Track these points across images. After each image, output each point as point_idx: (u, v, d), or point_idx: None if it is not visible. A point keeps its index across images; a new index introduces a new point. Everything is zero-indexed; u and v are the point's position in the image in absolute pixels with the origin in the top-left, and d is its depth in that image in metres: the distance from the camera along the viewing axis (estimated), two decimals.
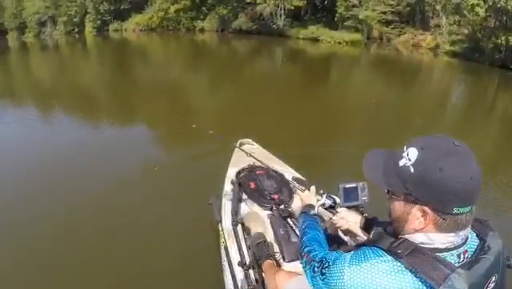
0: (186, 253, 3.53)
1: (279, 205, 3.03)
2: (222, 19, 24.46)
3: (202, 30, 26.17)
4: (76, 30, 36.48)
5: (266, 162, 3.67)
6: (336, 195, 2.20)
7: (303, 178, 3.38)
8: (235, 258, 2.63)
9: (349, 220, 1.98)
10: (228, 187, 3.46)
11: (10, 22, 42.64)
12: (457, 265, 0.99)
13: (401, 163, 1.03)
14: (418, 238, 1.04)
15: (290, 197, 3.08)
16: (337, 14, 19.32)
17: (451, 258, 1.01)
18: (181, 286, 3.23)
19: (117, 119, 8.49)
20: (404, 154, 1.03)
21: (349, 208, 2.18)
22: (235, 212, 3.02)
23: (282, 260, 2.56)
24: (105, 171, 5.33)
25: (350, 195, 2.16)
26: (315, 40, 18.68)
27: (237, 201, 3.14)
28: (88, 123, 8.45)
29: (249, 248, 2.66)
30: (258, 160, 3.68)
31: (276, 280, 2.12)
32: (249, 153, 3.88)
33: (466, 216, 1.00)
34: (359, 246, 1.19)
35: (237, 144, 4.14)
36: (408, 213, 1.05)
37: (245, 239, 2.78)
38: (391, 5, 17.96)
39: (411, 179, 1.00)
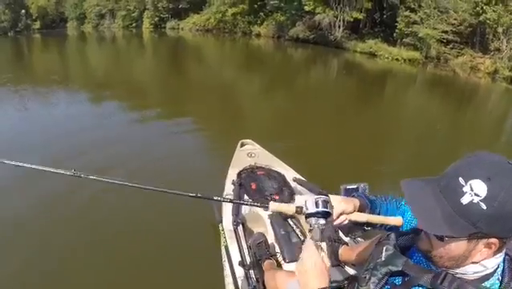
0: (187, 253, 3.59)
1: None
2: (279, 26, 25.34)
3: (258, 35, 27.10)
4: (134, 24, 39.10)
5: (267, 163, 3.78)
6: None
7: (304, 179, 3.59)
8: (236, 258, 2.68)
9: (347, 211, 1.53)
10: (229, 187, 3.50)
11: (70, 11, 46.09)
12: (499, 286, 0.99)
13: (465, 200, 0.92)
14: (471, 269, 1.00)
15: (291, 197, 3.08)
16: (396, 30, 19.64)
17: (494, 282, 1.00)
18: (182, 286, 3.27)
19: (159, 112, 8.90)
20: (466, 189, 0.92)
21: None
22: (236, 212, 3.04)
23: (282, 260, 2.63)
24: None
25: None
26: (373, 55, 19.07)
27: None
28: (133, 113, 8.87)
29: (249, 248, 2.70)
30: (259, 161, 3.82)
31: (276, 280, 2.14)
32: (250, 154, 4.05)
33: None
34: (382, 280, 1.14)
35: (239, 145, 4.23)
36: (472, 250, 0.97)
37: (245, 239, 2.82)
38: (452, 24, 17.91)
39: (484, 217, 0.91)
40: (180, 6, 34.42)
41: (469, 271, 0.99)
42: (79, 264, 3.37)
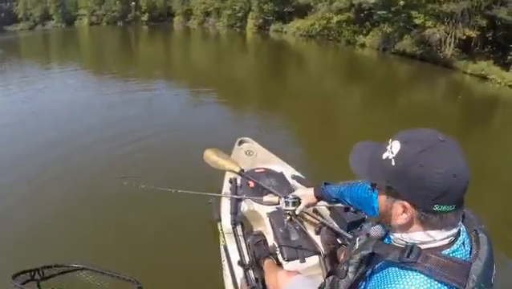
0: (185, 252, 3.62)
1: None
2: (386, 38, 24.91)
3: (363, 46, 26.69)
4: (238, 24, 39.95)
5: (266, 160, 3.81)
6: None
7: (303, 177, 3.62)
8: (235, 257, 2.69)
9: (311, 203, 2.19)
10: (227, 186, 3.52)
11: (177, 6, 47.79)
12: (466, 259, 1.03)
13: (384, 156, 1.07)
14: (417, 237, 1.07)
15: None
16: (511, 53, 18.61)
17: (458, 253, 1.04)
18: (181, 285, 3.30)
19: (249, 114, 9.51)
20: (388, 147, 1.07)
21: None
22: (234, 211, 3.05)
23: (281, 259, 2.65)
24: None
25: None
26: (483, 78, 18.13)
27: (236, 200, 3.18)
28: (225, 111, 9.66)
29: (248, 247, 2.71)
30: (258, 159, 3.87)
31: (277, 279, 2.15)
32: (248, 151, 4.05)
33: (452, 215, 1.02)
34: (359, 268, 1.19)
35: (237, 143, 4.22)
36: (391, 207, 1.09)
37: (244, 238, 2.81)
38: None
39: (392, 172, 1.04)
40: (285, 10, 35.06)
41: (417, 240, 1.06)
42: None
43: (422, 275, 0.99)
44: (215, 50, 26.44)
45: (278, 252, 2.70)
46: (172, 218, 4.24)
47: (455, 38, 20.94)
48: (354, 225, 2.80)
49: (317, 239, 2.74)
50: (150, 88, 11.36)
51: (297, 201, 2.20)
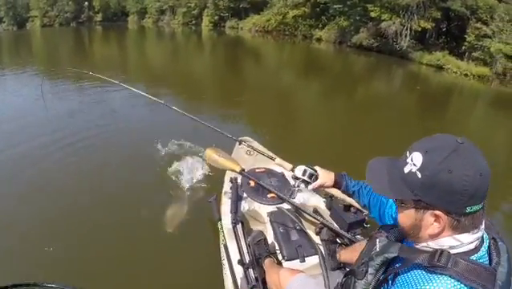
0: (185, 251, 3.62)
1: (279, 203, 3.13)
2: (342, 31, 24.89)
3: (319, 40, 26.74)
4: (193, 22, 39.91)
5: (266, 160, 3.76)
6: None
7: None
8: (235, 256, 2.69)
9: (326, 185, 2.21)
10: (228, 185, 3.53)
11: (132, 5, 47.27)
12: (489, 264, 1.05)
13: (406, 170, 1.07)
14: (446, 243, 1.07)
15: (291, 195, 3.03)
16: (465, 43, 18.85)
17: (484, 259, 1.06)
18: (181, 284, 3.28)
19: (203, 106, 9.19)
20: (409, 160, 1.07)
21: (348, 207, 2.60)
22: (235, 210, 3.07)
23: (281, 258, 2.68)
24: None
25: None
26: (439, 68, 18.33)
27: (236, 200, 3.20)
28: (179, 105, 8.96)
29: (248, 246, 2.71)
30: (258, 158, 3.87)
31: (279, 277, 2.16)
32: (248, 151, 4.06)
33: (479, 214, 1.03)
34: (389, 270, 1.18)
35: (238, 142, 4.21)
36: (421, 219, 1.08)
37: (244, 238, 2.81)
38: None
39: (419, 185, 1.03)
40: (240, 6, 34.73)
41: (446, 245, 1.06)
42: (72, 262, 3.40)
43: (453, 280, 0.99)
44: (171, 49, 25.73)
45: (278, 251, 2.72)
46: (172, 218, 4.14)
47: (410, 30, 21.01)
48: (354, 226, 2.85)
49: (317, 239, 2.74)
50: (103, 90, 10.45)
51: (314, 175, 2.22)
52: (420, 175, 1.03)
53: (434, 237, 1.07)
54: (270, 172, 3.65)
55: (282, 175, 3.63)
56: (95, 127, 7.21)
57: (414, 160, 1.05)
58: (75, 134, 6.74)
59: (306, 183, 2.24)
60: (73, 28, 45.26)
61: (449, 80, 16.95)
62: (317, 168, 2.27)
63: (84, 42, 30.71)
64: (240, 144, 4.21)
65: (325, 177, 2.19)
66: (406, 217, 1.13)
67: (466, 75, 17.30)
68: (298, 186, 2.28)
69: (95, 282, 3.12)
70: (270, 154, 3.91)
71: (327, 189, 2.38)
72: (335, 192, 2.50)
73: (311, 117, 9.46)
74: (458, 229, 1.04)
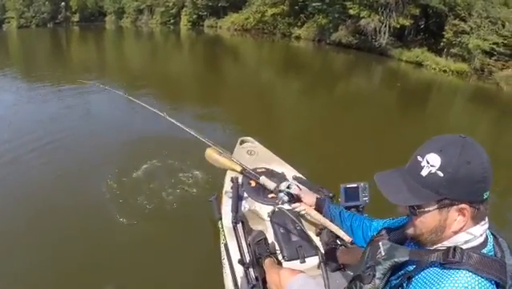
0: (186, 251, 3.64)
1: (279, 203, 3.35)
2: (321, 29, 24.75)
3: (298, 38, 26.68)
4: (172, 21, 39.79)
5: (267, 160, 3.84)
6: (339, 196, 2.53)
7: (304, 177, 3.62)
8: (235, 256, 2.70)
9: (306, 202, 2.22)
10: (228, 184, 3.54)
11: (109, 5, 46.96)
12: (496, 256, 1.08)
13: (424, 172, 1.08)
14: (461, 239, 1.09)
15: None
16: (443, 39, 18.84)
17: (493, 252, 1.09)
18: (181, 284, 3.32)
19: (181, 106, 9.04)
20: (424, 163, 1.08)
21: (349, 208, 2.46)
22: (235, 210, 3.07)
23: (282, 259, 2.67)
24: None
25: (351, 195, 2.41)
26: (419, 64, 18.35)
27: (237, 199, 3.20)
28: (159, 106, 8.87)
29: (249, 246, 2.72)
30: (259, 159, 3.88)
31: (280, 277, 2.16)
32: (249, 151, 4.08)
33: (487, 199, 1.08)
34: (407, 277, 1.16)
35: (238, 142, 4.26)
36: (446, 219, 1.08)
37: (245, 237, 2.83)
38: (504, 36, 16.99)
39: (443, 183, 1.04)
40: (219, 5, 34.38)
41: (461, 241, 1.08)
42: (72, 262, 3.43)
43: (470, 273, 1.00)
44: (150, 49, 25.34)
45: (278, 251, 2.69)
46: (173, 217, 4.18)
47: (389, 27, 20.94)
48: None
49: (317, 240, 2.74)
50: (81, 92, 10.16)
51: (293, 198, 2.24)
52: (442, 174, 1.04)
53: (457, 233, 1.09)
54: (270, 173, 3.57)
55: (283, 175, 3.58)
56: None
57: (431, 162, 1.06)
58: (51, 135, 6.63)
59: (290, 197, 2.25)
60: (50, 29, 44.38)
61: (429, 76, 16.98)
62: (303, 188, 2.34)
63: (62, 44, 30.12)
64: (241, 144, 4.25)
65: (307, 199, 2.22)
66: (427, 222, 1.12)
67: (445, 71, 17.34)
68: (281, 199, 2.26)
69: (97, 282, 3.17)
70: (272, 155, 4.03)
71: (307, 212, 2.25)
72: (314, 214, 2.32)
73: (291, 114, 9.41)
74: (477, 218, 1.07)
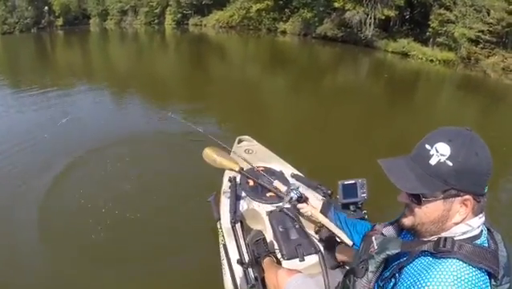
0: (185, 251, 3.63)
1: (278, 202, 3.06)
2: (306, 23, 24.66)
3: (284, 33, 26.58)
4: (156, 21, 39.31)
5: (265, 159, 3.81)
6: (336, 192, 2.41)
7: (302, 175, 3.58)
8: (234, 256, 2.70)
9: (311, 204, 2.18)
10: (226, 184, 3.52)
11: (93, 8, 46.35)
12: (490, 247, 1.08)
13: (433, 161, 1.06)
14: (459, 230, 1.08)
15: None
16: (429, 29, 18.84)
17: (485, 244, 1.08)
18: (180, 284, 3.31)
19: (169, 107, 8.88)
20: (433, 152, 1.06)
21: (347, 204, 2.39)
22: (234, 210, 3.06)
23: (281, 258, 2.66)
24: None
25: (349, 191, 2.33)
26: (405, 55, 18.30)
27: (235, 199, 3.19)
28: (148, 107, 9.02)
29: (248, 246, 2.72)
30: (257, 157, 3.83)
31: (277, 278, 2.16)
32: (247, 150, 4.04)
33: (486, 193, 1.08)
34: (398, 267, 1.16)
35: (236, 141, 4.23)
36: (449, 209, 1.07)
37: (244, 237, 2.82)
38: (489, 23, 16.97)
39: (452, 172, 1.03)
40: (203, 3, 34.11)
41: (458, 232, 1.08)
42: (73, 266, 3.40)
43: (460, 262, 1.01)
44: (135, 49, 25.07)
45: (277, 250, 2.70)
46: (172, 218, 4.15)
47: (375, 19, 20.83)
48: None
49: (316, 238, 2.67)
50: (67, 97, 10.00)
51: (301, 198, 2.18)
52: (451, 163, 1.03)
53: (457, 224, 1.08)
54: (269, 171, 3.49)
55: (282, 174, 3.54)
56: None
57: (440, 151, 1.05)
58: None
59: (299, 196, 2.19)
60: (34, 34, 43.81)
61: (416, 66, 16.93)
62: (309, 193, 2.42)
63: (46, 49, 29.63)
64: (239, 143, 4.21)
65: (313, 201, 2.25)
66: (430, 212, 1.11)
67: (432, 60, 17.32)
68: (291, 197, 2.20)
69: (96, 281, 3.21)
70: (270, 153, 3.99)
71: (313, 214, 2.20)
72: (320, 217, 2.26)
73: (281, 110, 9.33)
74: (477, 211, 1.07)
